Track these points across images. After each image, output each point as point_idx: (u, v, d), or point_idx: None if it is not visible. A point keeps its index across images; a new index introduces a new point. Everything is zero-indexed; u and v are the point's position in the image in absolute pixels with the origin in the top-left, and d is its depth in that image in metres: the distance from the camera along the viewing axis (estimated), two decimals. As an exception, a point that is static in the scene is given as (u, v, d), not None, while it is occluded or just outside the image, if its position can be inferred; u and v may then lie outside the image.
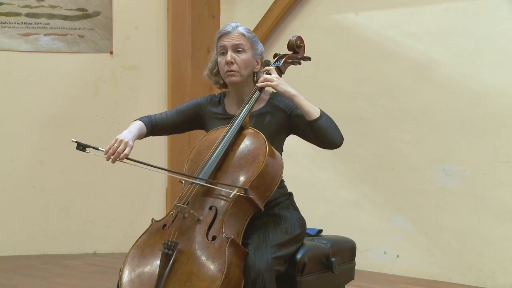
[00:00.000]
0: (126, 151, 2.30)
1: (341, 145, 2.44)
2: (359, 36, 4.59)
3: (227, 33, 2.46)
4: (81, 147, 2.29)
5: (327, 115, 2.42)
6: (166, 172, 2.29)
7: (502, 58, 4.03)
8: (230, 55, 2.44)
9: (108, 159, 2.29)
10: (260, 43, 2.53)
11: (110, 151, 2.29)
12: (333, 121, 2.42)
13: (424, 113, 4.33)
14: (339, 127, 2.44)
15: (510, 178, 4.00)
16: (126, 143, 2.31)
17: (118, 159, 2.29)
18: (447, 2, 4.22)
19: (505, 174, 4.02)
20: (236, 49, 2.44)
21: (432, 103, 4.29)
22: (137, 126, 2.51)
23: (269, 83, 2.41)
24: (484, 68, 4.09)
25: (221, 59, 2.48)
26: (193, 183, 2.27)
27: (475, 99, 4.12)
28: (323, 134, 2.39)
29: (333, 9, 4.68)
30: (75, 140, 2.28)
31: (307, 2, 4.79)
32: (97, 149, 2.28)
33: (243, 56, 2.45)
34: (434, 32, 4.28)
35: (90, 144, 2.28)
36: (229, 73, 2.45)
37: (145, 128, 2.53)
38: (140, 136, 2.51)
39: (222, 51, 2.47)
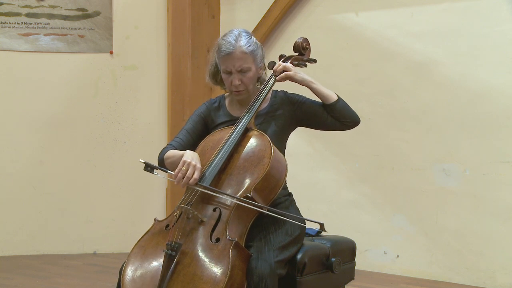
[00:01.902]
0: (195, 176, 2.22)
1: (360, 122, 2.53)
2: (359, 36, 4.59)
3: (229, 54, 2.39)
4: (149, 168, 2.23)
5: (341, 97, 2.51)
6: (234, 199, 2.23)
7: (502, 58, 4.03)
8: (236, 78, 2.42)
9: (177, 183, 2.23)
10: (260, 49, 2.48)
11: (180, 175, 2.22)
12: (346, 102, 2.51)
13: (424, 113, 4.33)
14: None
15: (510, 178, 4.00)
16: (195, 166, 2.24)
17: (188, 184, 2.24)
18: (447, 2, 4.22)
19: (505, 174, 4.02)
20: (241, 71, 2.42)
21: (432, 103, 4.29)
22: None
23: (288, 72, 2.45)
24: (484, 68, 4.09)
25: (226, 77, 2.45)
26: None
27: (475, 99, 4.12)
28: (345, 114, 2.48)
29: (333, 9, 4.68)
30: (143, 161, 2.22)
31: (307, 2, 4.79)
32: (165, 171, 2.24)
33: (249, 74, 2.43)
34: (434, 32, 4.28)
35: (159, 166, 2.25)
36: (237, 92, 2.46)
37: None
38: None
39: (226, 70, 2.44)
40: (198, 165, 2.25)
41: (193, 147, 2.53)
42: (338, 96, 2.49)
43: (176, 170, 2.23)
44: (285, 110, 2.51)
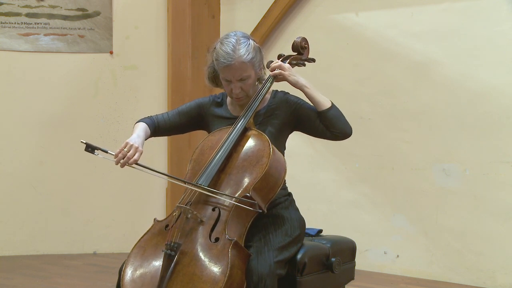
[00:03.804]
0: (135, 157, 2.26)
1: (351, 134, 2.45)
2: (359, 36, 4.59)
3: (228, 66, 2.37)
4: (90, 148, 2.24)
5: (336, 105, 2.44)
6: (172, 179, 2.25)
7: (502, 58, 4.03)
8: (236, 86, 2.41)
9: (117, 163, 2.26)
10: (258, 53, 2.44)
11: (120, 155, 2.25)
12: (341, 111, 2.45)
13: (424, 113, 4.33)
14: None
15: (510, 178, 4.00)
16: (136, 148, 2.27)
17: (127, 164, 2.25)
18: (447, 2, 4.22)
19: (505, 174, 4.02)
20: (241, 80, 2.41)
21: (432, 103, 4.29)
22: (143, 128, 2.47)
23: (282, 71, 2.43)
24: (484, 68, 4.09)
25: (225, 84, 2.45)
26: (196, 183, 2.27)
27: (475, 99, 4.12)
28: (335, 124, 2.41)
29: (333, 9, 4.68)
30: (85, 142, 2.24)
31: (307, 2, 4.79)
32: (106, 151, 2.24)
33: (248, 81, 2.42)
34: (434, 32, 4.28)
35: (99, 147, 2.24)
36: (237, 99, 2.46)
37: (149, 130, 2.50)
38: (146, 138, 2.48)
39: (225, 79, 2.43)
40: (140, 148, 2.29)
41: (176, 129, 2.59)
42: (332, 104, 2.43)
43: (117, 150, 2.26)
44: (282, 111, 2.49)
